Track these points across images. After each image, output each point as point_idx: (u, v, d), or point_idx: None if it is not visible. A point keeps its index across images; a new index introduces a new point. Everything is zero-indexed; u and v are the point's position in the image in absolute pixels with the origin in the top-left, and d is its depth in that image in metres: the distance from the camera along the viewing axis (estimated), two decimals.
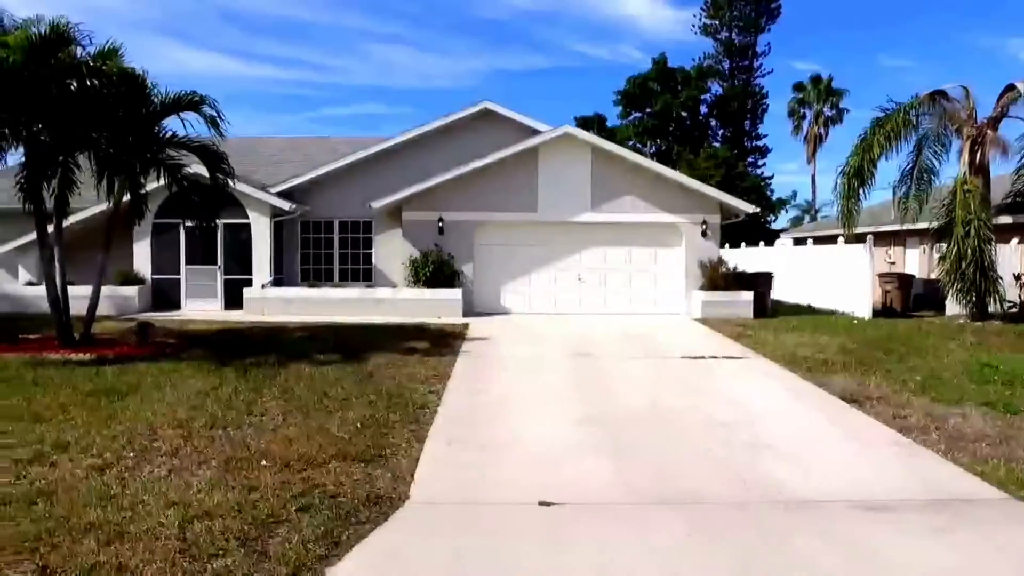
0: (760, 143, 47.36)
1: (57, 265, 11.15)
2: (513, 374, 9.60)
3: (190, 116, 11.31)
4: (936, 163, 15.71)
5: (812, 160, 46.79)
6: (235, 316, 15.52)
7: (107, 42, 10.56)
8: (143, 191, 12.27)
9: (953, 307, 15.66)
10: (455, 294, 15.91)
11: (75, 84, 10.44)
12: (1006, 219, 16.21)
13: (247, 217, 16.96)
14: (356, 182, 18.11)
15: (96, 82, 10.36)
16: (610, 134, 40.57)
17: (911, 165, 16.01)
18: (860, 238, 16.84)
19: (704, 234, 16.69)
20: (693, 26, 49.85)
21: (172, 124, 11.79)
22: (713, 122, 47.16)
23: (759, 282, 16.66)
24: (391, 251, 18.00)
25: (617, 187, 16.66)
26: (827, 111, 45.73)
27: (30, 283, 16.97)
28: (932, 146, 15.72)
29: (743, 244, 27.49)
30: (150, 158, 11.33)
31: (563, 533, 4.41)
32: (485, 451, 6.08)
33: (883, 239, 21.44)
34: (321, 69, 79.46)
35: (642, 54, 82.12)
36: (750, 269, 17.86)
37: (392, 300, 15.99)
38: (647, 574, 3.91)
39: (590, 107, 70.52)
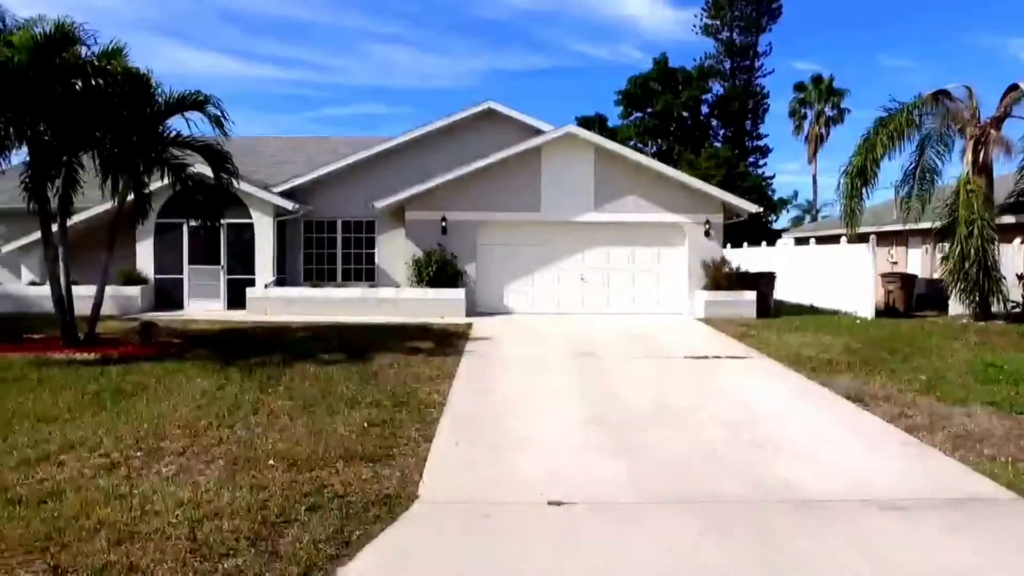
0: (761, 143, 47.42)
1: (62, 265, 11.15)
2: (518, 374, 9.60)
3: (194, 116, 11.34)
4: (939, 163, 15.76)
5: (813, 160, 46.85)
6: (238, 316, 15.52)
7: (111, 41, 10.59)
8: (147, 191, 12.27)
9: (956, 307, 15.65)
10: (458, 294, 15.91)
11: (80, 84, 10.45)
12: (1009, 219, 16.21)
13: (250, 217, 16.96)
14: (359, 182, 18.12)
15: (101, 81, 10.37)
16: (611, 134, 40.51)
17: (914, 165, 16.03)
18: (863, 238, 16.83)
19: (707, 234, 16.68)
20: (694, 26, 50.07)
21: (176, 124, 11.84)
22: (714, 122, 47.18)
23: (762, 282, 16.66)
24: (394, 251, 18.01)
25: (620, 187, 16.66)
26: (828, 111, 45.78)
27: (33, 283, 16.99)
28: (935, 146, 15.75)
29: (745, 244, 27.48)
30: (154, 157, 11.33)
31: (574, 533, 4.41)
32: (493, 451, 6.08)
33: (885, 239, 21.44)
34: (321, 69, 79.53)
35: (642, 54, 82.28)
36: (752, 269, 17.86)
37: (395, 300, 15.99)
38: (661, 574, 3.90)
39: (590, 107, 70.58)
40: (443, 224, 16.54)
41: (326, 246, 18.71)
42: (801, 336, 12.58)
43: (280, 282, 17.42)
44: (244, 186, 15.70)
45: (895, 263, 22.06)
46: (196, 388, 8.05)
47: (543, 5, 72.00)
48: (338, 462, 5.54)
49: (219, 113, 11.10)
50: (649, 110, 44.85)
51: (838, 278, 17.41)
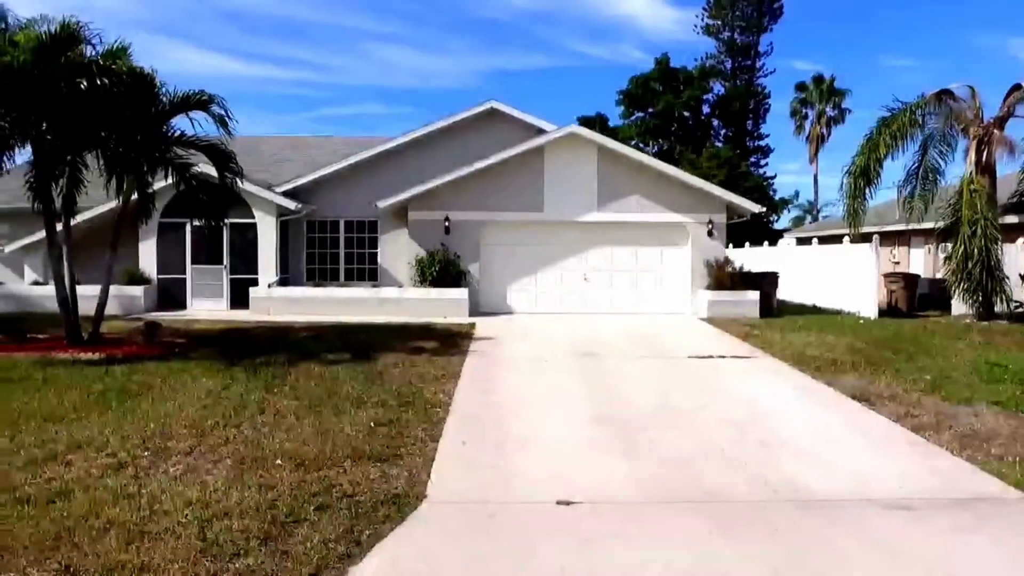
0: (762, 143, 47.45)
1: (66, 264, 11.16)
2: (522, 374, 9.59)
3: (198, 115, 11.34)
4: (942, 163, 15.77)
5: (814, 160, 46.87)
6: (241, 316, 15.52)
7: (116, 41, 10.61)
8: (150, 190, 12.27)
9: (959, 307, 15.65)
10: (461, 294, 15.91)
11: (85, 83, 10.45)
12: (1012, 219, 16.20)
13: (253, 217, 16.96)
14: (361, 182, 18.13)
15: (106, 81, 10.37)
16: (612, 134, 40.42)
17: (917, 165, 16.05)
18: (865, 237, 16.83)
19: (710, 234, 16.68)
20: (695, 26, 50.10)
21: (180, 123, 11.83)
22: (715, 122, 47.16)
23: (765, 282, 16.65)
24: (397, 251, 18.01)
25: (623, 187, 16.66)
26: (829, 111, 45.81)
27: (36, 282, 17.00)
28: (938, 145, 15.76)
29: (747, 244, 27.48)
30: (158, 157, 11.32)
31: (584, 533, 4.40)
32: (500, 450, 6.08)
33: (887, 239, 21.43)
34: (321, 69, 79.63)
35: (643, 54, 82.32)
36: (754, 269, 17.85)
37: (398, 300, 15.99)
38: (673, 574, 3.90)
39: (590, 107, 70.68)
40: (446, 224, 16.54)
41: (329, 246, 18.71)
42: (805, 336, 12.58)
43: (283, 282, 17.42)
44: (247, 186, 15.69)
45: (897, 263, 22.05)
46: (201, 388, 8.05)
47: (543, 5, 72.09)
48: (346, 462, 5.54)
49: (223, 112, 11.13)
50: (650, 110, 44.84)
51: (841, 278, 17.41)
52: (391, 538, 4.28)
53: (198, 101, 11.12)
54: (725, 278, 16.27)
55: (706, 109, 46.50)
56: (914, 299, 17.10)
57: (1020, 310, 15.07)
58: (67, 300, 10.94)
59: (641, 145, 42.95)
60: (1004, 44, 65.55)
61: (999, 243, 14.58)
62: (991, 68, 64.68)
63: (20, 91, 9.87)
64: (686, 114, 45.17)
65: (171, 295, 17.10)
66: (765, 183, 43.29)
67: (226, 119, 11.06)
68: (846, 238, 17.87)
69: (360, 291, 16.60)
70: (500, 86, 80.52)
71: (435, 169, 17.11)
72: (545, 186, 16.70)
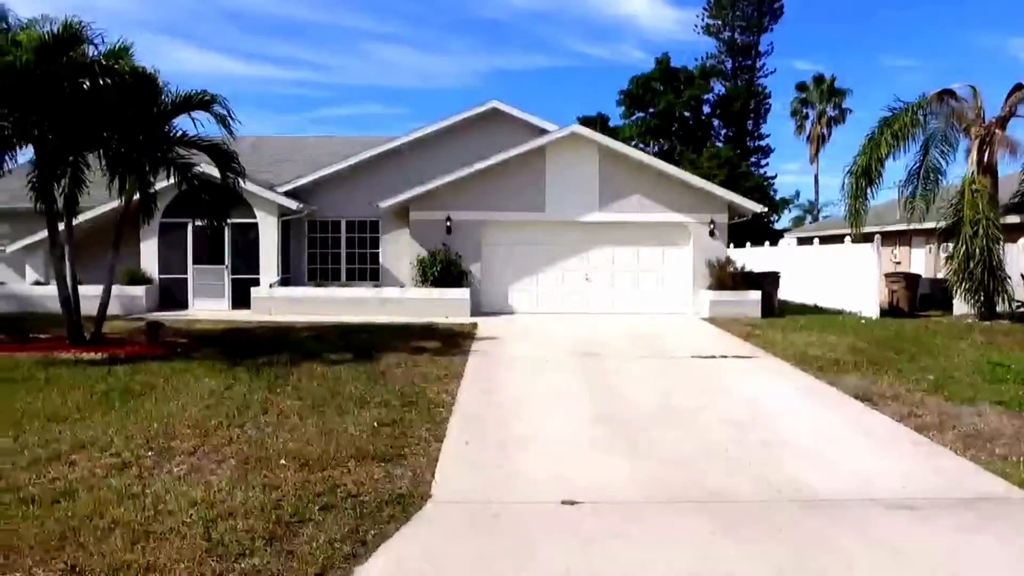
0: (763, 143, 47.41)
1: (68, 264, 11.16)
2: (525, 374, 9.60)
3: (200, 115, 11.35)
4: (943, 163, 15.78)
5: (815, 160, 46.89)
6: (243, 316, 15.53)
7: (118, 41, 10.60)
8: (153, 190, 12.27)
9: (961, 307, 15.65)
10: (463, 294, 15.91)
11: (87, 83, 10.45)
12: (1014, 218, 16.21)
13: (254, 217, 16.97)
14: (362, 182, 18.13)
15: (108, 81, 10.36)
16: (613, 134, 40.40)
17: (918, 164, 16.05)
18: (867, 237, 16.83)
19: (712, 234, 16.68)
20: (695, 26, 50.08)
21: (182, 123, 11.82)
22: (716, 122, 47.12)
23: (766, 282, 16.65)
24: (398, 250, 18.01)
25: (624, 186, 16.66)
26: (830, 111, 45.82)
27: (37, 282, 17.00)
28: (939, 145, 15.76)
29: (747, 244, 27.48)
30: (160, 157, 11.33)
31: (587, 532, 4.41)
32: (503, 450, 6.08)
33: (888, 239, 21.43)
34: (321, 69, 79.66)
35: (643, 54, 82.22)
36: (755, 269, 17.85)
37: (400, 300, 16.00)
38: (675, 574, 3.90)
39: (591, 107, 70.68)
40: (447, 224, 16.54)
41: (330, 246, 18.72)
42: (807, 336, 12.57)
43: (284, 282, 17.43)
44: (249, 186, 15.69)
45: (899, 263, 22.06)
46: (204, 388, 8.06)
47: (543, 5, 72.11)
48: (350, 462, 5.54)
49: (225, 112, 11.12)
50: (651, 110, 44.79)
51: (842, 278, 17.41)
52: (396, 538, 4.29)
53: (200, 101, 11.13)
54: (727, 278, 16.27)
55: (707, 109, 46.49)
56: (915, 299, 17.10)
57: (1022, 310, 15.07)
58: (69, 300, 10.95)
59: (642, 145, 42.93)
60: (1005, 44, 65.61)
61: (1001, 243, 14.59)
62: (992, 68, 64.80)
63: (22, 91, 9.87)
64: (687, 114, 45.14)
65: (173, 295, 17.11)
66: (766, 183, 43.28)
67: (228, 119, 11.07)
68: (847, 238, 17.87)
69: (362, 291, 16.60)
70: (500, 86, 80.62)
71: (436, 169, 17.11)
72: (546, 186, 16.70)
